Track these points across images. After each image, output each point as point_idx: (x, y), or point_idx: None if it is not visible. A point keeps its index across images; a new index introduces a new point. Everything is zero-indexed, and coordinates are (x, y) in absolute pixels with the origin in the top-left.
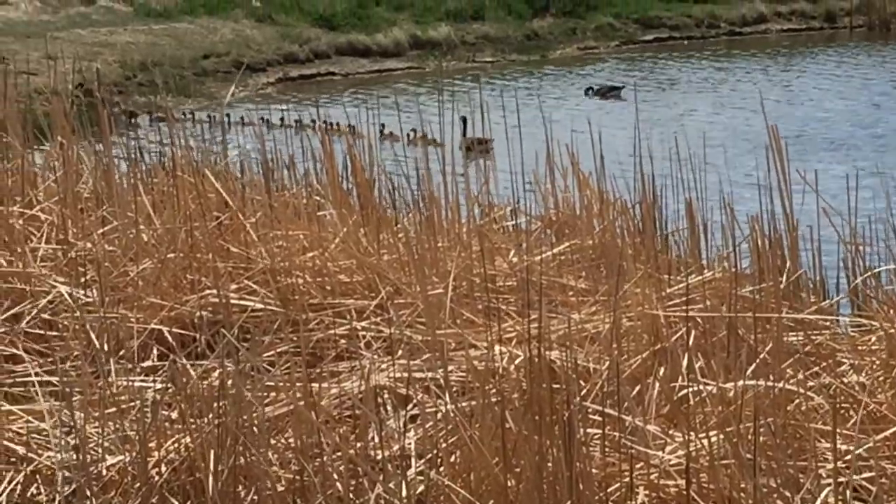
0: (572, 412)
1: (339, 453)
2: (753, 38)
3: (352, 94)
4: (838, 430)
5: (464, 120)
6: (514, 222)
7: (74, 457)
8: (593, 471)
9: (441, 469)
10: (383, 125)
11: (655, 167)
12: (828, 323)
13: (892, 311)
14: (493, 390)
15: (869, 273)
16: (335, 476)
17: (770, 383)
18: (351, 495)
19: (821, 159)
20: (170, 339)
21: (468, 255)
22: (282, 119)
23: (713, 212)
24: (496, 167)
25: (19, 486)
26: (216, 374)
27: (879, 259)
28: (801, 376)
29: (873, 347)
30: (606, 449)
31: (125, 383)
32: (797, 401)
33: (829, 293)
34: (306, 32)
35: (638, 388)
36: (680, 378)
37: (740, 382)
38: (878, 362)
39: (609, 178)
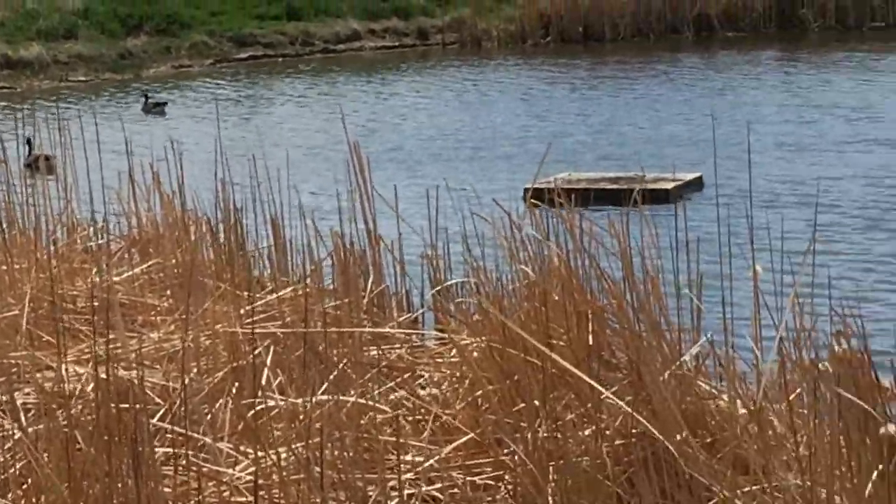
0: (140, 432)
1: None
2: (348, 56)
3: None
4: (413, 442)
5: (28, 141)
6: (97, 242)
7: None
8: (165, 490)
9: (9, 495)
10: None
11: (239, 184)
12: (411, 336)
13: (465, 324)
14: (62, 412)
15: (440, 286)
16: None
17: (343, 397)
18: None
19: (415, 174)
20: None
21: (47, 277)
22: None
23: (297, 228)
24: (79, 187)
25: None
26: None
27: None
28: (379, 390)
29: (452, 360)
30: (179, 468)
31: None
32: (370, 414)
33: (414, 307)
34: None
35: (215, 405)
36: (255, 395)
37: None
38: (455, 375)
39: (192, 196)
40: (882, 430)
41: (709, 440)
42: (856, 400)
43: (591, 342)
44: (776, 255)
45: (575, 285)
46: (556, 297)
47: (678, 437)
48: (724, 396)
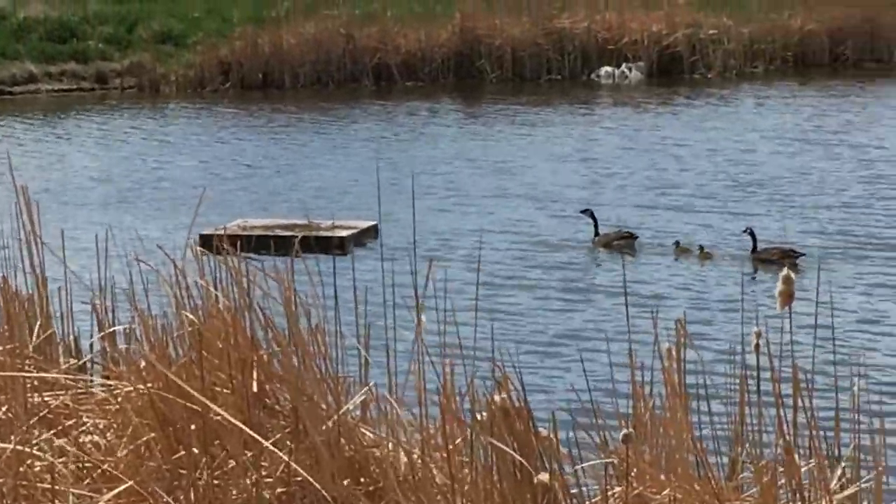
0: None
1: None
2: (25, 98)
3: None
4: (73, 490)
5: None
6: None
7: None
8: None
9: None
10: None
11: None
12: (77, 383)
13: (130, 371)
14: None
15: (105, 332)
16: None
17: (1, 444)
18: None
19: (87, 218)
20: None
21: None
22: None
23: None
24: None
25: None
26: None
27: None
28: (39, 437)
29: (117, 407)
30: None
31: None
32: (28, 461)
33: (83, 353)
34: None
35: None
36: None
37: None
38: (118, 422)
39: None
40: (536, 479)
41: (371, 488)
42: (508, 450)
43: (255, 390)
44: (441, 306)
45: (240, 333)
46: (221, 345)
47: (342, 483)
48: (389, 445)
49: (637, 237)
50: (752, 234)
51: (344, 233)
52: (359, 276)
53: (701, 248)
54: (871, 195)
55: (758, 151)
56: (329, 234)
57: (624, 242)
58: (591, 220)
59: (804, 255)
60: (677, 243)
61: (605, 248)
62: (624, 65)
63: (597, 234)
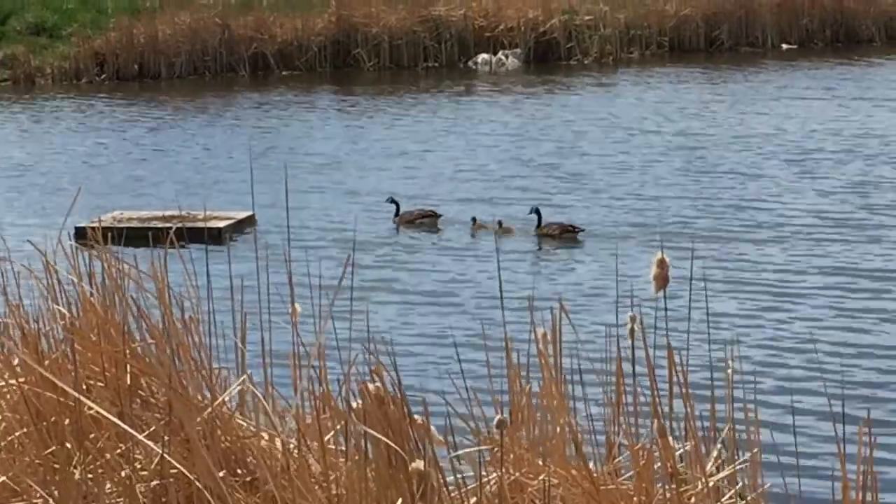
0: None
1: None
2: None
3: None
4: None
5: None
6: None
7: None
8: None
9: None
10: None
11: None
12: None
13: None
14: None
15: None
16: None
17: None
18: None
19: None
20: None
21: None
22: None
23: None
24: None
25: None
26: None
27: None
28: None
29: None
30: None
31: None
32: None
33: None
34: None
35: None
36: None
37: None
38: None
39: None
40: (411, 467)
41: (248, 479)
42: (382, 438)
43: (129, 383)
44: (316, 295)
45: (113, 326)
46: (94, 339)
47: (218, 475)
48: (265, 435)
49: (441, 215)
50: (538, 213)
51: (220, 224)
52: (235, 267)
53: (500, 223)
54: (674, 182)
55: (587, 139)
56: (205, 225)
57: (427, 221)
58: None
59: (583, 230)
60: (474, 219)
61: (407, 227)
62: (501, 52)
63: (397, 214)
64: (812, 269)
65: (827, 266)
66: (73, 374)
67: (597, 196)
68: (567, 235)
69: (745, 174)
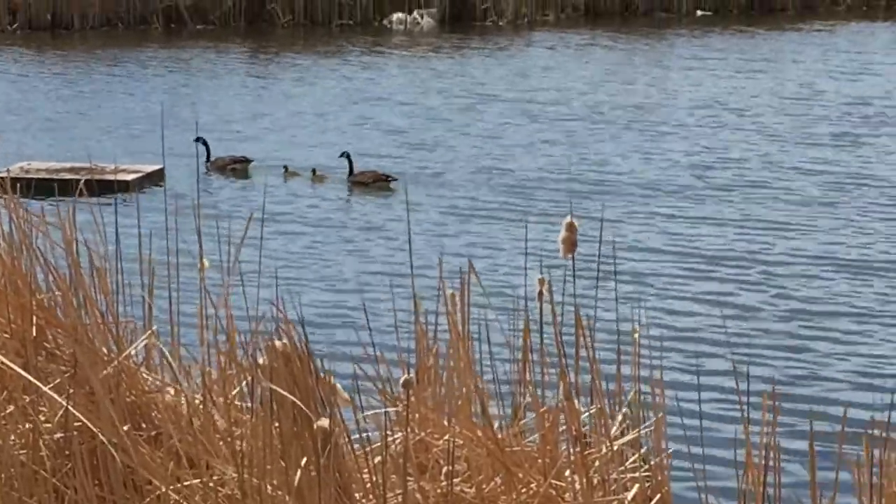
0: None
1: None
2: None
3: None
4: None
5: None
6: None
7: None
8: None
9: None
10: None
11: None
12: None
13: None
14: None
15: None
16: None
17: None
18: None
19: None
20: None
21: None
22: None
23: None
24: None
25: None
26: None
27: None
28: None
29: None
30: None
31: None
32: None
33: None
34: None
35: None
36: None
37: None
38: None
39: None
40: (317, 424)
41: (153, 433)
42: (287, 395)
43: (34, 335)
44: (224, 248)
45: (19, 277)
46: None
47: (122, 429)
48: (170, 390)
49: (251, 161)
50: (349, 159)
51: (129, 177)
52: (143, 221)
53: (313, 171)
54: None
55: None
56: (114, 177)
57: (239, 167)
58: (204, 147)
59: (396, 179)
60: (286, 167)
61: (219, 172)
62: (416, 11)
63: (208, 159)
64: (719, 234)
65: (734, 229)
66: None
67: (474, 158)
68: (379, 183)
69: (646, 138)
